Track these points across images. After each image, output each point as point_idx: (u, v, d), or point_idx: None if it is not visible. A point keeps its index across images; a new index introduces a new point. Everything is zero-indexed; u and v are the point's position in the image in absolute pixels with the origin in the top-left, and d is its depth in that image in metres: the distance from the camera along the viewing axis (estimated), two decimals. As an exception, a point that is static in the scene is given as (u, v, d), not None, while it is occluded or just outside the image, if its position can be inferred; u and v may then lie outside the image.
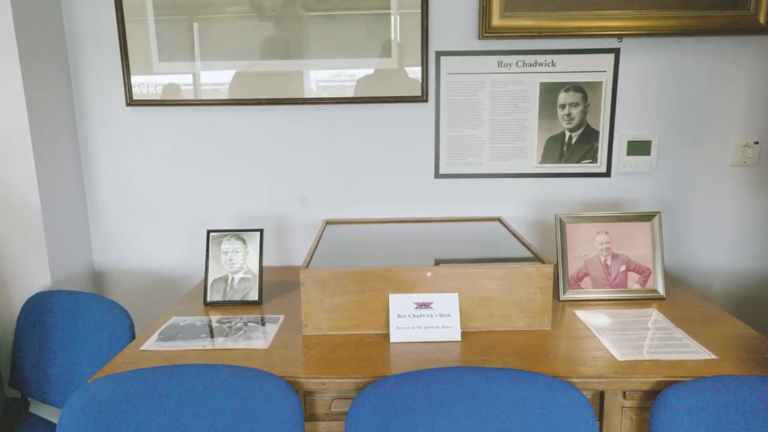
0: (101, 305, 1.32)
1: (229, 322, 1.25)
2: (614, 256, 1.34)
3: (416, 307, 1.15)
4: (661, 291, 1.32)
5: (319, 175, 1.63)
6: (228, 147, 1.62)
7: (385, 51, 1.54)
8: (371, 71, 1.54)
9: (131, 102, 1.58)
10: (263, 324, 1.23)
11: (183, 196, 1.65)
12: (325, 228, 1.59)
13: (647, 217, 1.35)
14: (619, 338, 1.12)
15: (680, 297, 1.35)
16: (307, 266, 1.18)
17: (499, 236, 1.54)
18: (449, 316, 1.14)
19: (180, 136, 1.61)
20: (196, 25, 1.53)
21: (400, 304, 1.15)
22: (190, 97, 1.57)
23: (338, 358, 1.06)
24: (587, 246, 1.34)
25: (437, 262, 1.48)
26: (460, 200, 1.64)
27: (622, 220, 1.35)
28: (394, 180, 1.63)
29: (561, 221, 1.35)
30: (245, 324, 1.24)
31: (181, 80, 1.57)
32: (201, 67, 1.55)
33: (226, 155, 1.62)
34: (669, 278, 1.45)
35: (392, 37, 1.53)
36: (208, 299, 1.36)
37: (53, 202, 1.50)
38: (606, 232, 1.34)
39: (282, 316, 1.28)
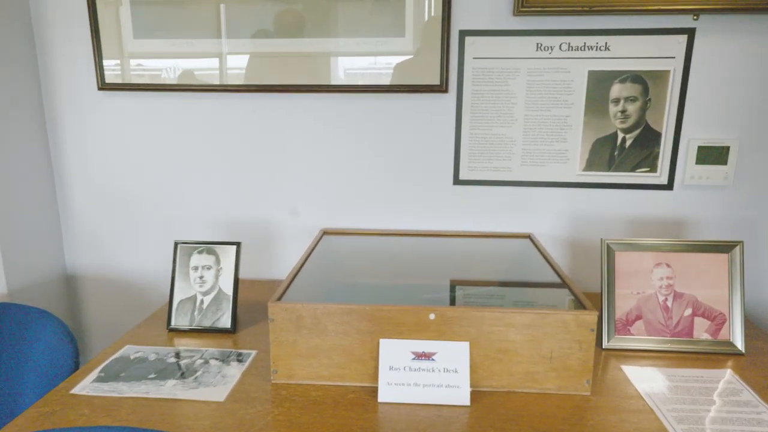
0: (48, 326, 1.12)
1: (190, 356, 1.03)
2: (677, 296, 1.04)
3: (414, 358, 0.89)
4: (740, 345, 1.02)
5: (315, 177, 1.39)
6: (214, 140, 1.39)
7: (398, 29, 1.27)
8: (409, 57, 1.27)
9: (103, 86, 1.37)
10: (228, 362, 1.00)
11: (165, 195, 1.43)
12: (321, 239, 1.35)
13: (725, 247, 1.04)
14: (685, 416, 0.83)
15: (765, 354, 1.04)
16: (279, 298, 0.94)
17: (529, 258, 1.27)
18: (456, 372, 0.88)
19: (159, 126, 1.39)
20: (176, -3, 1.30)
21: (393, 352, 0.89)
22: (172, 81, 1.35)
23: (308, 424, 0.82)
24: (642, 281, 1.05)
25: (453, 286, 1.23)
26: (483, 212, 1.36)
27: (690, 249, 1.05)
28: (404, 185, 1.37)
29: (609, 248, 1.06)
30: (206, 361, 1.01)
31: (161, 63, 1.34)
32: (185, 47, 1.32)
33: (211, 149, 1.40)
34: (750, 326, 1.13)
35: (406, 12, 1.25)
36: (173, 324, 1.14)
37: (11, 199, 1.31)
38: (667, 265, 1.05)
39: (254, 352, 1.04)
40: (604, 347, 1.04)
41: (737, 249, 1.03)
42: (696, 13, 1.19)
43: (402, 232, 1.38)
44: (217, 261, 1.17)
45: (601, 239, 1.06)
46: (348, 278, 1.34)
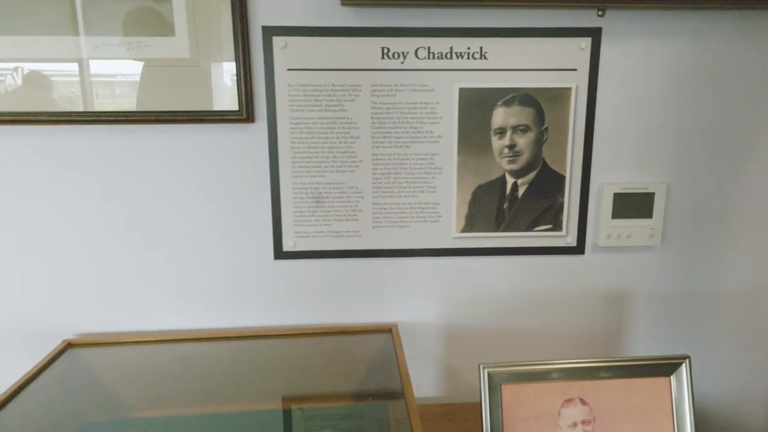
0: None
1: None
2: (600, 452, 0.65)
3: None
4: None
5: (54, 258, 0.88)
6: None
7: (163, 25, 0.80)
8: (186, 67, 0.80)
9: None
10: None
11: None
12: (62, 354, 0.85)
13: (664, 367, 0.66)
14: None
15: None
16: None
17: (391, 366, 0.85)
18: None
19: None
20: None
21: None
22: None
23: None
24: (546, 429, 0.65)
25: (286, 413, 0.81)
26: (322, 297, 0.92)
27: (614, 375, 0.66)
28: (199, 265, 0.89)
29: (490, 378, 0.65)
30: None
31: None
32: None
33: None
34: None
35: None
36: None
37: None
38: (582, 401, 0.65)
39: None
40: None
41: (683, 368, 0.66)
42: (601, 6, 0.83)
43: (201, 335, 0.91)
44: None
45: (479, 366, 0.65)
46: (111, 415, 0.84)
